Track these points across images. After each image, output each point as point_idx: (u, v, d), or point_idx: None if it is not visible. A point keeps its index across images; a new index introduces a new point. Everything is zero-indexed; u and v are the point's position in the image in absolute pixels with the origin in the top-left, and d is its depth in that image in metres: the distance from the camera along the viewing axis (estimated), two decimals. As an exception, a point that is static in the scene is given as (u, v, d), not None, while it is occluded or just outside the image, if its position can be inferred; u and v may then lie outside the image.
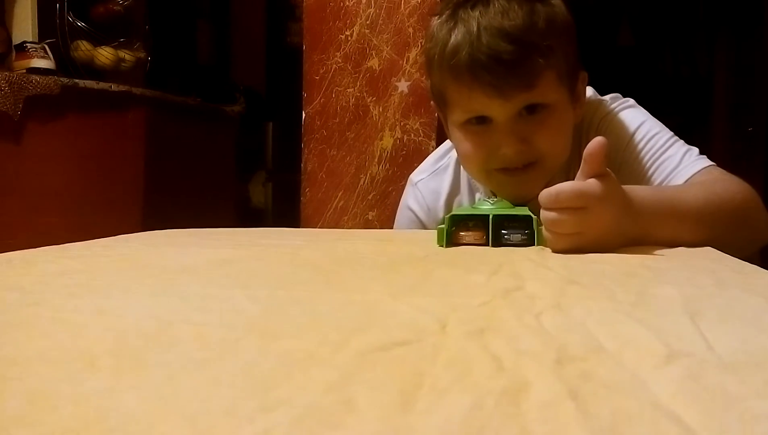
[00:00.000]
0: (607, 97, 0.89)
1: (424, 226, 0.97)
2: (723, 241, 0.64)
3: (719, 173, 0.77)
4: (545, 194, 0.59)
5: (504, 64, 0.72)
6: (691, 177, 0.76)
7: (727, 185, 0.73)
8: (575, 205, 0.58)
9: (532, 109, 0.77)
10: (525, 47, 0.73)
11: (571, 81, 0.80)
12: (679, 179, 0.77)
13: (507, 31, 0.72)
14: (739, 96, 2.55)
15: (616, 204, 0.59)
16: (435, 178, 0.97)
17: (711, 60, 2.66)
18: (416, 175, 1.00)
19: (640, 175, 0.80)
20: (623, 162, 0.82)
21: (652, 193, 0.67)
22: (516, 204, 0.76)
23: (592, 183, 0.58)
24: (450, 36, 0.75)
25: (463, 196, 0.94)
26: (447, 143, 0.98)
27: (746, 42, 2.53)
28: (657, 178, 0.79)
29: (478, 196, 0.93)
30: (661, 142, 0.81)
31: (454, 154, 0.95)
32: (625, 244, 0.61)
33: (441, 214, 0.94)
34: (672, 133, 0.83)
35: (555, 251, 0.59)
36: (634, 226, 0.61)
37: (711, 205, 0.67)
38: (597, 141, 0.59)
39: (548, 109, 0.77)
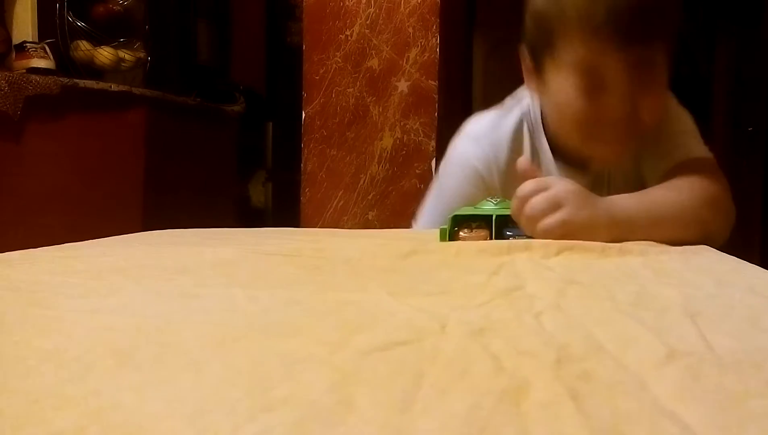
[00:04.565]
0: None
1: (484, 181, 0.93)
2: (704, 232, 0.70)
3: (702, 165, 0.80)
4: (514, 209, 0.66)
5: (640, 13, 0.74)
6: (680, 163, 0.80)
7: (703, 181, 0.77)
8: (540, 188, 0.65)
9: (645, 66, 0.77)
10: (659, 2, 0.76)
11: (670, 55, 0.82)
12: (672, 161, 0.81)
13: None
14: (739, 96, 2.55)
15: (569, 181, 0.68)
16: (496, 134, 0.93)
17: (711, 60, 2.66)
18: (475, 130, 0.96)
19: (650, 151, 0.85)
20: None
21: (633, 202, 0.72)
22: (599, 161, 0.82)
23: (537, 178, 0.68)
24: None
25: (525, 147, 0.91)
26: (506, 103, 0.97)
27: (746, 42, 2.53)
28: (657, 155, 0.83)
29: (537, 163, 0.90)
30: (674, 129, 0.85)
31: (514, 113, 0.93)
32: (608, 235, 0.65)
33: (504, 170, 0.91)
34: (692, 126, 0.87)
35: (547, 237, 0.64)
36: (605, 215, 0.67)
37: (690, 204, 0.72)
38: (522, 161, 0.70)
39: (656, 70, 0.78)
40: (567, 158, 0.89)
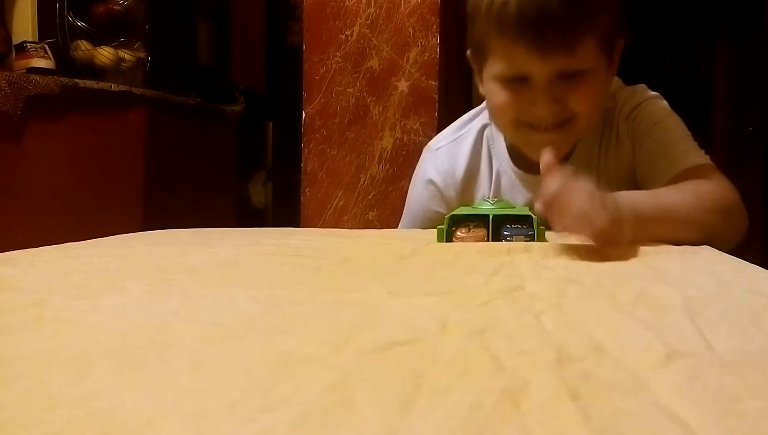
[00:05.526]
0: (638, 87, 0.93)
1: (442, 195, 0.96)
2: (710, 237, 0.69)
3: (706, 172, 0.80)
4: (542, 210, 0.61)
5: (551, 23, 0.73)
6: (683, 171, 0.80)
7: (709, 186, 0.77)
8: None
9: (569, 73, 0.79)
10: (575, 8, 0.74)
11: (610, 47, 0.83)
12: (673, 170, 0.81)
13: None
14: (739, 96, 2.55)
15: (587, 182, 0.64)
16: (455, 145, 0.96)
17: (711, 60, 2.66)
18: (435, 143, 1.00)
19: (648, 160, 0.86)
20: (639, 147, 0.87)
21: (642, 197, 0.71)
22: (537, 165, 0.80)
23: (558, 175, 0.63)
24: None
25: (483, 164, 0.94)
26: (467, 114, 1.00)
27: (746, 42, 2.53)
28: (657, 165, 0.84)
29: (496, 165, 0.93)
30: (671, 137, 0.85)
31: (475, 124, 0.96)
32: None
33: (460, 181, 0.94)
34: (687, 132, 0.87)
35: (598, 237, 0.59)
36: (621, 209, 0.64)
37: (697, 206, 0.72)
38: (546, 156, 0.64)
39: (585, 74, 0.79)
40: (526, 162, 0.90)
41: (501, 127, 0.89)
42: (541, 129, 0.81)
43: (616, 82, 0.92)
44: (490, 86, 0.84)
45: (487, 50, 0.82)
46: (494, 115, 0.88)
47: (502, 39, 0.78)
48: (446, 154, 0.96)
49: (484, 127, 0.95)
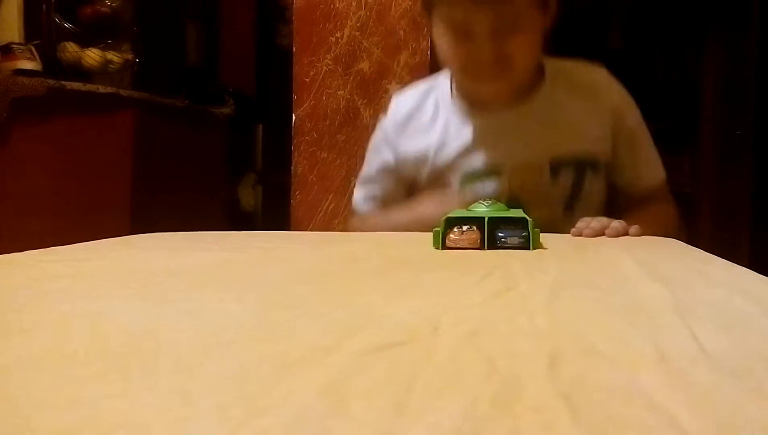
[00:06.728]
0: (579, 60, 1.05)
1: (386, 137, 1.07)
2: None
3: (667, 191, 1.04)
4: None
5: None
6: (654, 187, 1.03)
7: (671, 211, 1.02)
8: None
9: (506, 21, 0.89)
10: None
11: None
12: (649, 179, 1.03)
13: None
14: (727, 99, 2.57)
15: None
16: (409, 97, 1.09)
17: (700, 63, 2.68)
18: (398, 93, 1.14)
19: (630, 153, 1.02)
20: (623, 130, 1.01)
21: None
22: (485, 99, 0.98)
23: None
24: None
25: (426, 113, 1.05)
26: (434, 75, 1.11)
27: (735, 45, 2.56)
28: (641, 169, 1.03)
29: (443, 115, 1.03)
30: (648, 140, 1.02)
31: (432, 81, 1.08)
32: None
33: (400, 123, 1.06)
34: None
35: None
36: None
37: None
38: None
39: (520, 21, 0.89)
40: (470, 100, 1.01)
41: (450, 68, 1.01)
42: (485, 79, 0.94)
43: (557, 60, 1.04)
44: (438, 39, 0.95)
45: (432, 7, 0.93)
46: (444, 62, 0.99)
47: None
48: (397, 102, 1.10)
49: (436, 83, 1.06)
